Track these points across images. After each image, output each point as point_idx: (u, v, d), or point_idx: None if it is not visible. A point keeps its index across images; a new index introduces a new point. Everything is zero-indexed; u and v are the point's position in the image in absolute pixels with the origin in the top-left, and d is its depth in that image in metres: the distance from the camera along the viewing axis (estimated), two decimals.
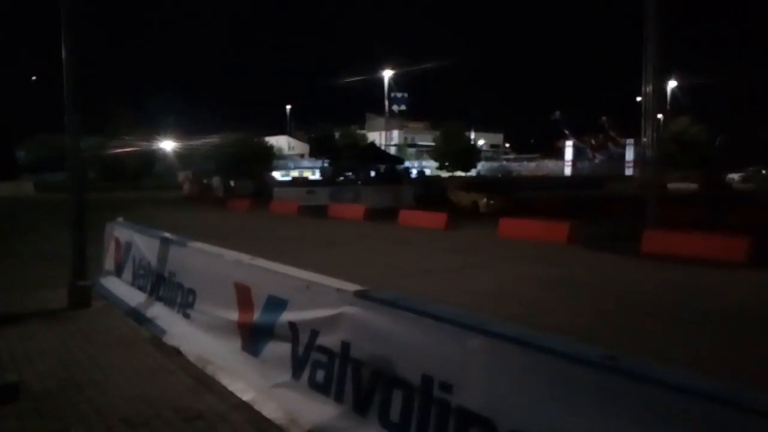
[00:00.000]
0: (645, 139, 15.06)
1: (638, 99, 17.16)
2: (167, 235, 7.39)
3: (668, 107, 63.62)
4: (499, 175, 72.72)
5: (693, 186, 44.12)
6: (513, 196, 28.85)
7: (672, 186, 47.17)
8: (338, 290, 4.01)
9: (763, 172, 61.95)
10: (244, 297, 5.15)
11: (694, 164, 60.31)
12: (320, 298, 4.14)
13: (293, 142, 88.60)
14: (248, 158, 46.51)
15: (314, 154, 63.94)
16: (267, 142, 54.01)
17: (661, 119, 56.29)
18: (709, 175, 51.08)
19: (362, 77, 68.42)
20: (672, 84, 64.59)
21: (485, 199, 26.53)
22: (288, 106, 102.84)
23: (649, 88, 14.09)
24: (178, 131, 60.35)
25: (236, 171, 44.34)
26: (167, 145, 60.62)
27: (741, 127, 61.64)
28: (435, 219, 20.15)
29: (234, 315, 5.25)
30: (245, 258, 5.44)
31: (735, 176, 59.14)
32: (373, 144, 57.59)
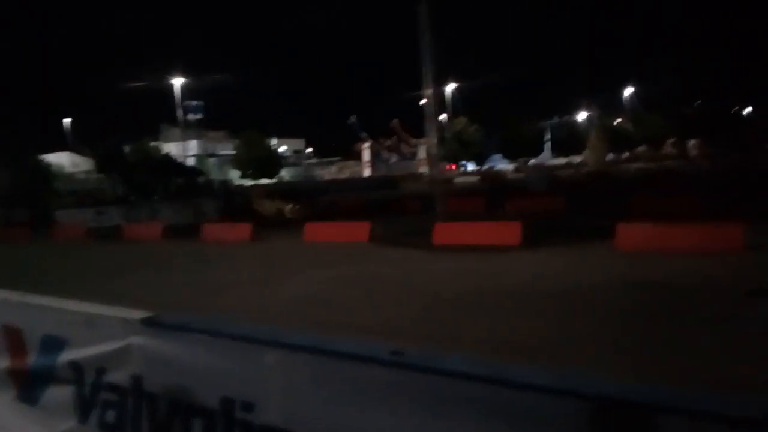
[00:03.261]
0: (428, 139, 16.31)
1: (422, 102, 18.53)
2: None
3: (449, 109, 69.73)
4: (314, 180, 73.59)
5: (474, 179, 48.83)
6: (317, 200, 29.43)
7: (458, 180, 51.88)
8: (123, 320, 3.69)
9: (529, 162, 70.99)
10: (14, 341, 4.51)
11: (473, 160, 67.05)
12: (104, 331, 3.78)
13: (77, 158, 79.71)
14: (23, 180, 40.80)
15: (101, 170, 58.26)
16: (44, 161, 48.07)
17: (444, 120, 61.59)
18: (486, 169, 57.17)
19: (147, 83, 64.20)
20: (450, 87, 70.74)
21: (290, 206, 26.68)
22: (66, 120, 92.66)
23: (429, 92, 15.27)
24: None
25: (10, 195, 38.67)
26: None
27: (510, 125, 69.76)
28: (239, 231, 19.71)
29: (4, 362, 4.59)
30: (13, 296, 4.77)
31: (508, 167, 66.93)
32: (168, 156, 54.27)
